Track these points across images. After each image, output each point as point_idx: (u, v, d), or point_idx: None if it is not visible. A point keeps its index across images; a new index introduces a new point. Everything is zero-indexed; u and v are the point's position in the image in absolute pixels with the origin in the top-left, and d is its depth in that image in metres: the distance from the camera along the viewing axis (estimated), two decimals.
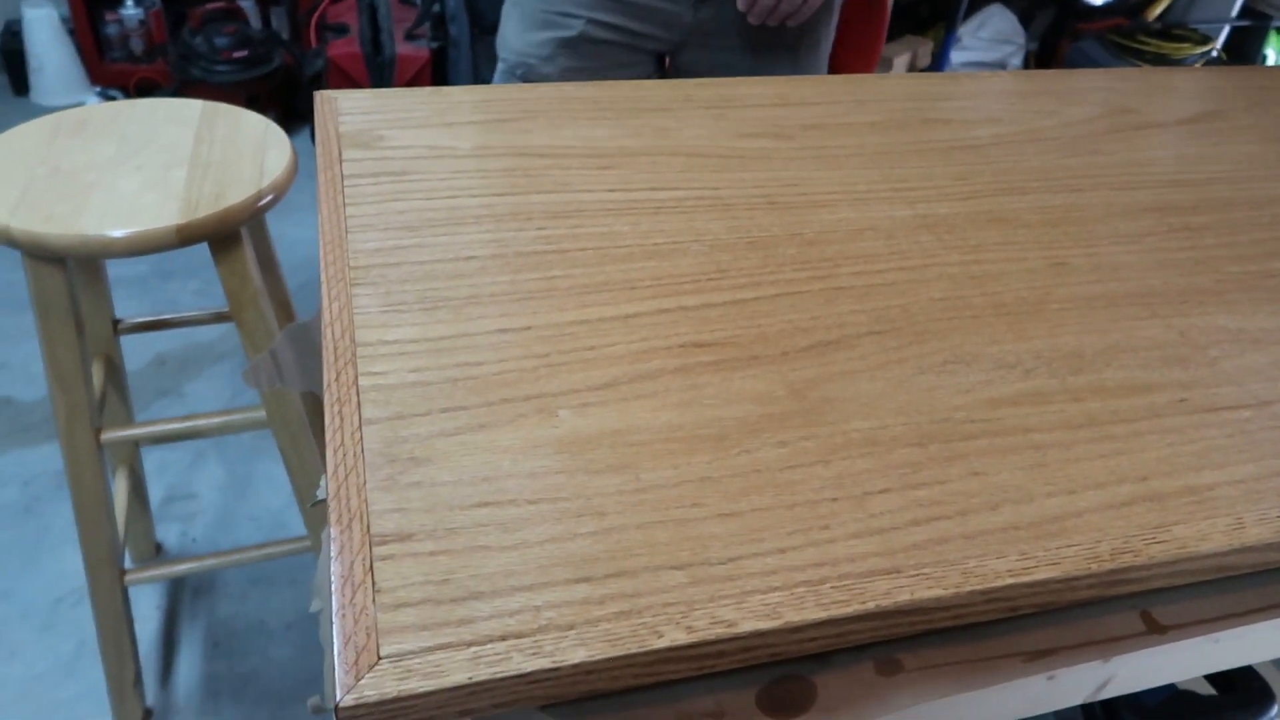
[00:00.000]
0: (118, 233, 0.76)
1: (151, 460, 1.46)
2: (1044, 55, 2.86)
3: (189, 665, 1.22)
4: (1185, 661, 0.44)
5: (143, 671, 1.20)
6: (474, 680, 0.32)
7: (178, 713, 1.16)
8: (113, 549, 0.99)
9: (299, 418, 0.96)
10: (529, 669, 0.33)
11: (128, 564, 1.33)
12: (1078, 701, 0.44)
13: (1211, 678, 0.66)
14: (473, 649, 0.33)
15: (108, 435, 0.94)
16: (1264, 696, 0.64)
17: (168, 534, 1.39)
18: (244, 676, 1.21)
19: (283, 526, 1.41)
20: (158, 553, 1.36)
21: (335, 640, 0.33)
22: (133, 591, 1.28)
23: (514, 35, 1.05)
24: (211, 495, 1.46)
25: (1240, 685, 0.65)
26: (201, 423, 1.04)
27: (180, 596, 1.31)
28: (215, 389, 1.67)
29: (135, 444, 1.24)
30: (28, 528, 1.37)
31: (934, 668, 0.39)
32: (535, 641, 0.34)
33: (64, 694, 1.16)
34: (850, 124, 0.74)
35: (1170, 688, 0.65)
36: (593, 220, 0.57)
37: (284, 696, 1.19)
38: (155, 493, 1.42)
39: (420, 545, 0.37)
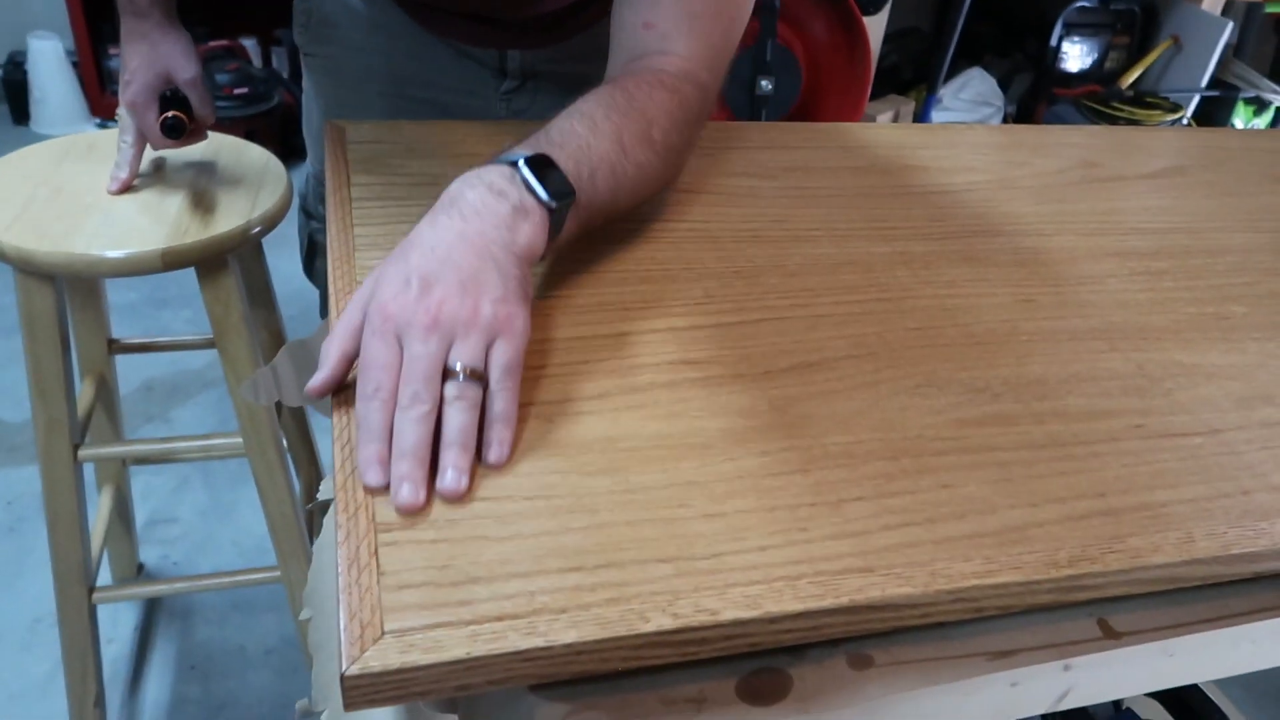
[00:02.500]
0: (104, 253, 0.79)
1: (136, 484, 1.46)
2: (1021, 118, 2.96)
3: (161, 687, 1.21)
4: (1140, 673, 0.46)
5: (116, 692, 1.20)
6: (471, 655, 0.35)
7: None
8: (83, 565, 0.99)
9: (275, 444, 0.98)
10: (523, 647, 0.35)
11: (108, 583, 1.33)
12: (1041, 710, 0.46)
13: (1172, 709, 0.69)
14: (471, 628, 0.35)
15: (85, 451, 0.95)
16: None
17: (149, 556, 1.39)
18: (220, 700, 1.20)
19: (264, 551, 1.40)
20: (139, 573, 1.36)
21: (341, 616, 0.35)
22: (111, 614, 1.28)
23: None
24: (194, 519, 1.47)
25: (1199, 713, 0.67)
26: (181, 445, 1.05)
27: (157, 619, 1.31)
28: (201, 416, 1.67)
29: (122, 464, 1.25)
30: (9, 548, 1.37)
31: (903, 664, 0.41)
32: (530, 623, 0.36)
33: (36, 714, 1.15)
34: (832, 167, 0.78)
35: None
36: (587, 247, 0.61)
37: None
38: (139, 515, 1.42)
39: (422, 534, 0.39)
